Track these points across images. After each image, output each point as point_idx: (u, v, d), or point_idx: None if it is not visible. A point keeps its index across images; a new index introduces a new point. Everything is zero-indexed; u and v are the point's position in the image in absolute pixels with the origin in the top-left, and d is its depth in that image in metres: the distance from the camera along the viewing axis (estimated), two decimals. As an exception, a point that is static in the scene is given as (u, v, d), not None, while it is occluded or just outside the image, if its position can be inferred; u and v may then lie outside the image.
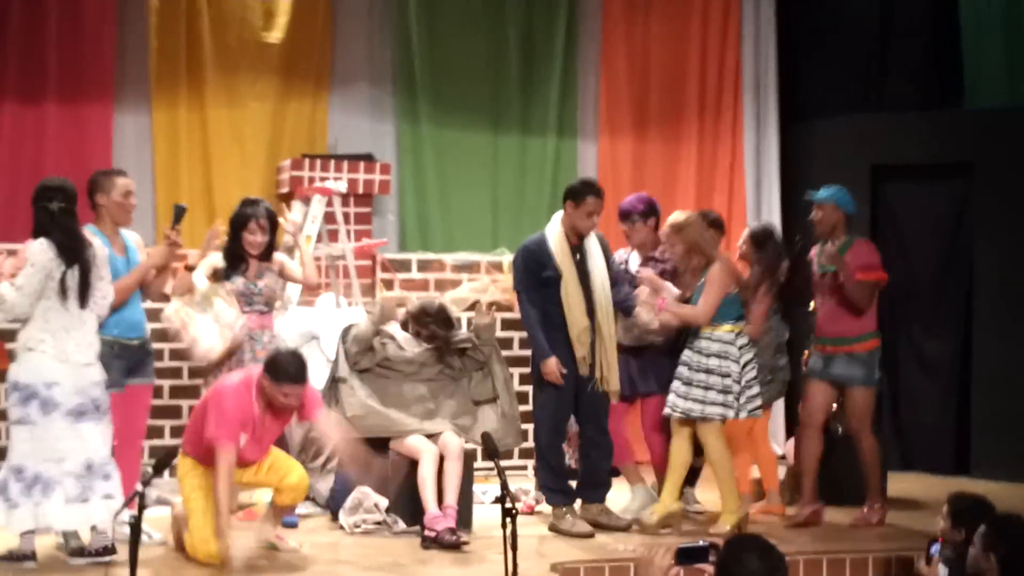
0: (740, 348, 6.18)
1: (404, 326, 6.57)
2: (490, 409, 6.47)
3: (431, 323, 6.44)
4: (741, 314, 6.27)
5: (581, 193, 6.12)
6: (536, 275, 6.14)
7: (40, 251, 5.24)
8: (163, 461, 4.34)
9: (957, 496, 4.85)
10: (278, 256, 6.48)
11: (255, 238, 6.32)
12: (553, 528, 6.19)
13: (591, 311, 6.14)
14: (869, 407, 6.59)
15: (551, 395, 6.15)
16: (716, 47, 9.19)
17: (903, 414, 8.56)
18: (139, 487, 4.11)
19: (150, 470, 4.31)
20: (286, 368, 5.34)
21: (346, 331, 6.49)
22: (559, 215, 6.22)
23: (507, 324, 7.78)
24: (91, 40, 7.94)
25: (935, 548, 4.83)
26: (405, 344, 6.47)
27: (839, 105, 9.05)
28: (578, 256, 6.15)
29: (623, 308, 6.30)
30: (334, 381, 6.38)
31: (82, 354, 5.29)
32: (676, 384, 6.19)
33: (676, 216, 6.35)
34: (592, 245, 6.21)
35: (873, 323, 6.53)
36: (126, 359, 5.69)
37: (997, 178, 8.36)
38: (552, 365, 6.05)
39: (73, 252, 5.28)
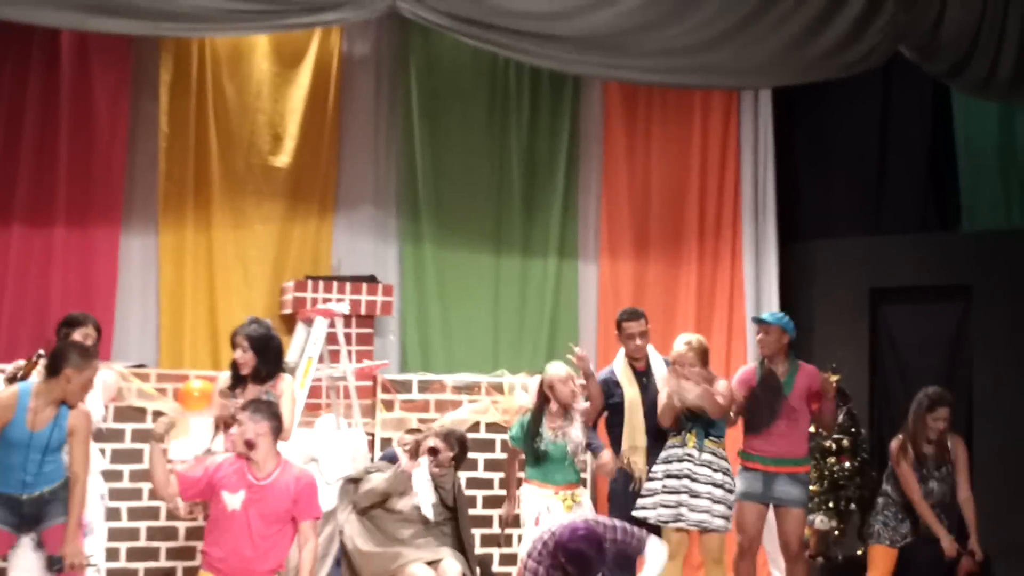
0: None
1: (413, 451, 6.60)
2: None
3: (456, 447, 6.57)
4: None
5: (620, 322, 7.13)
6: (607, 402, 6.93)
7: None
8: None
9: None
10: (284, 385, 6.40)
11: (237, 355, 6.33)
12: None
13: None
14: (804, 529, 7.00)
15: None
16: (715, 170, 9.30)
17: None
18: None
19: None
20: None
21: (364, 481, 6.55)
22: (623, 350, 7.09)
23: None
24: (101, 163, 7.99)
25: None
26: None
27: (837, 228, 9.15)
28: (644, 380, 6.93)
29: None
30: (332, 514, 6.45)
31: None
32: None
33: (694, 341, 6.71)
34: (657, 368, 6.95)
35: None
36: (14, 510, 5.58)
37: (995, 301, 8.42)
38: None
39: None
